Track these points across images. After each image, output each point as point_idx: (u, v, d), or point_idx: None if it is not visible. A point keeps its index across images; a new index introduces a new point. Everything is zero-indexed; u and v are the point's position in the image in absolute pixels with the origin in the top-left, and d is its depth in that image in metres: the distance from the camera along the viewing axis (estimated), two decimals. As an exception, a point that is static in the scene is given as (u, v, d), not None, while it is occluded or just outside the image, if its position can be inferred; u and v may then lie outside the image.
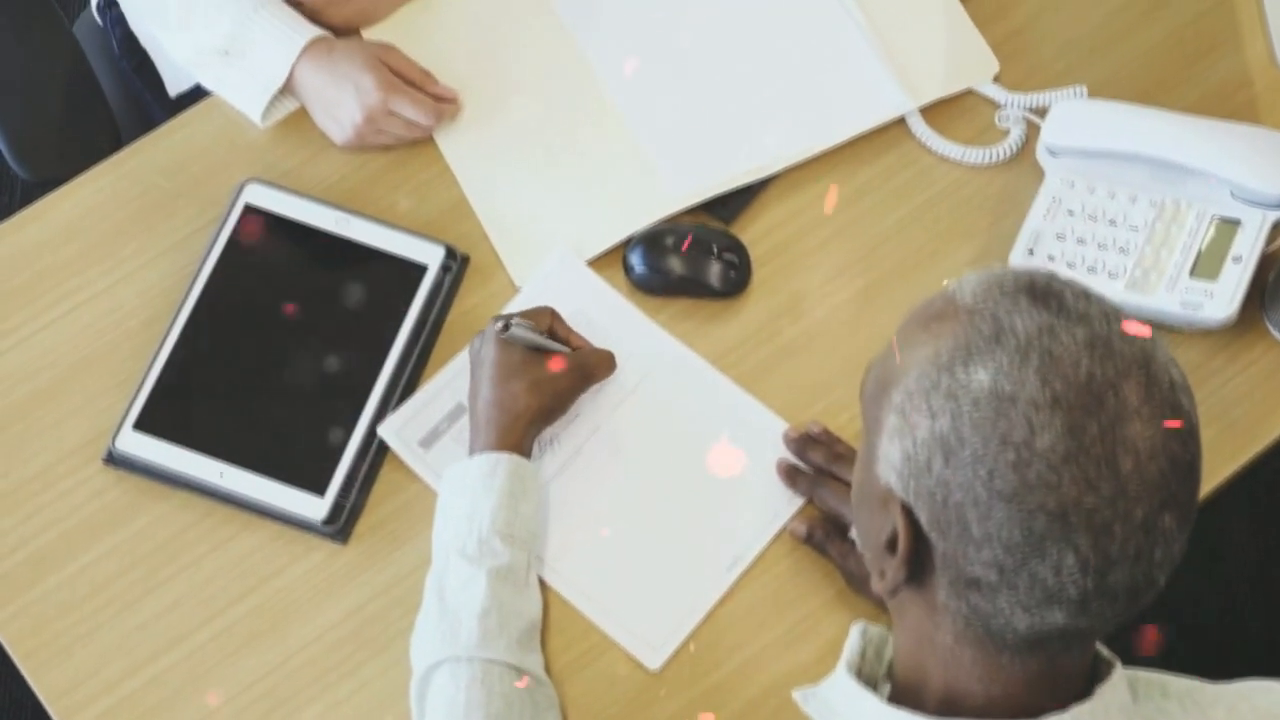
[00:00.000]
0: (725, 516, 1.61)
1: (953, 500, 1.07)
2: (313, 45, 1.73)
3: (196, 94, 1.85)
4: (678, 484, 1.62)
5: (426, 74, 1.76)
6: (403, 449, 1.62)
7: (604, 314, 1.68)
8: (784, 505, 1.61)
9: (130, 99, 2.04)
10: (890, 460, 1.11)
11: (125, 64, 2.01)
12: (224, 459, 1.61)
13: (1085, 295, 1.11)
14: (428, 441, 1.63)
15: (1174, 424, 1.07)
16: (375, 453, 1.62)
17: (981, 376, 1.07)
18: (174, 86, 1.95)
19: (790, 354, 1.67)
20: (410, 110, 1.72)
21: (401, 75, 1.74)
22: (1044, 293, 1.10)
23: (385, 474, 1.63)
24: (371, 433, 1.62)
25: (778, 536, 1.59)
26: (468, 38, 1.81)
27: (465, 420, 1.63)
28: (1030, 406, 1.05)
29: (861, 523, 1.18)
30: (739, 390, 1.65)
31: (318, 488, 1.60)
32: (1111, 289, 1.63)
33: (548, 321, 1.63)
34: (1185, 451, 1.08)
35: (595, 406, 1.64)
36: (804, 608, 1.57)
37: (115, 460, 1.62)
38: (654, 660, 1.55)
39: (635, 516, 1.61)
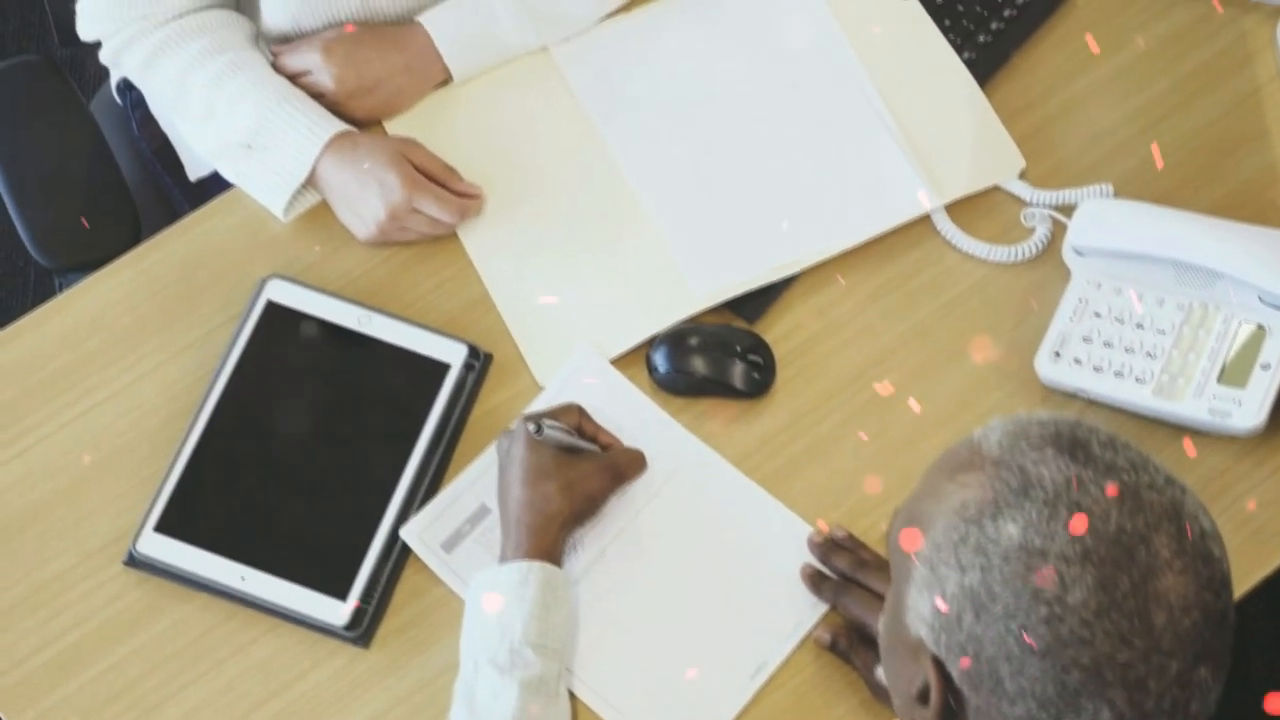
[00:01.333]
0: (749, 622, 1.60)
1: (985, 655, 1.06)
2: (336, 140, 1.73)
3: (217, 179, 1.84)
4: (702, 588, 1.61)
5: (451, 170, 1.75)
6: (425, 552, 1.61)
7: (628, 413, 1.67)
8: (808, 611, 1.60)
9: (149, 181, 2.03)
10: (920, 612, 1.10)
11: (144, 147, 2.00)
12: (245, 562, 1.60)
13: (1112, 444, 1.10)
14: (450, 544, 1.62)
15: (1207, 573, 1.07)
16: (398, 556, 1.61)
17: (1011, 530, 1.06)
18: (194, 171, 1.94)
19: (814, 456, 1.67)
20: (434, 208, 1.71)
21: (426, 171, 1.73)
22: (1070, 443, 1.09)
23: (408, 576, 1.62)
24: (394, 535, 1.61)
25: (802, 643, 1.58)
26: (490, 131, 1.80)
27: (488, 523, 1.62)
28: (1061, 561, 1.05)
29: (891, 669, 1.17)
30: (763, 493, 1.64)
31: (340, 592, 1.59)
32: (1139, 395, 1.62)
33: (576, 419, 1.62)
34: (1218, 601, 1.07)
35: (620, 508, 1.63)
36: (828, 717, 1.56)
37: (136, 562, 1.61)
38: (679, 770, 1.54)
39: (659, 621, 1.60)
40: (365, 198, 1.71)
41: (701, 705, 1.57)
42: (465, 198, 1.74)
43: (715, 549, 1.62)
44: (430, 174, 1.73)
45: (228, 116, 1.74)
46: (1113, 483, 1.07)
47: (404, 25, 1.81)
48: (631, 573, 1.62)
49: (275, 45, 1.82)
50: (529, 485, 1.56)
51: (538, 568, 1.52)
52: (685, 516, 1.64)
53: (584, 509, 1.59)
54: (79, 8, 1.80)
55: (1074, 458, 1.08)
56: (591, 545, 1.62)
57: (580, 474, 1.57)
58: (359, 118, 1.78)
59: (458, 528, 1.63)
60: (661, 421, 1.67)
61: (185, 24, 1.76)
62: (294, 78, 1.77)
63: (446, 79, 1.82)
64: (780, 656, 1.58)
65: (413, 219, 1.72)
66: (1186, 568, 1.06)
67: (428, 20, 1.80)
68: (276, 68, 1.78)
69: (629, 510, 1.64)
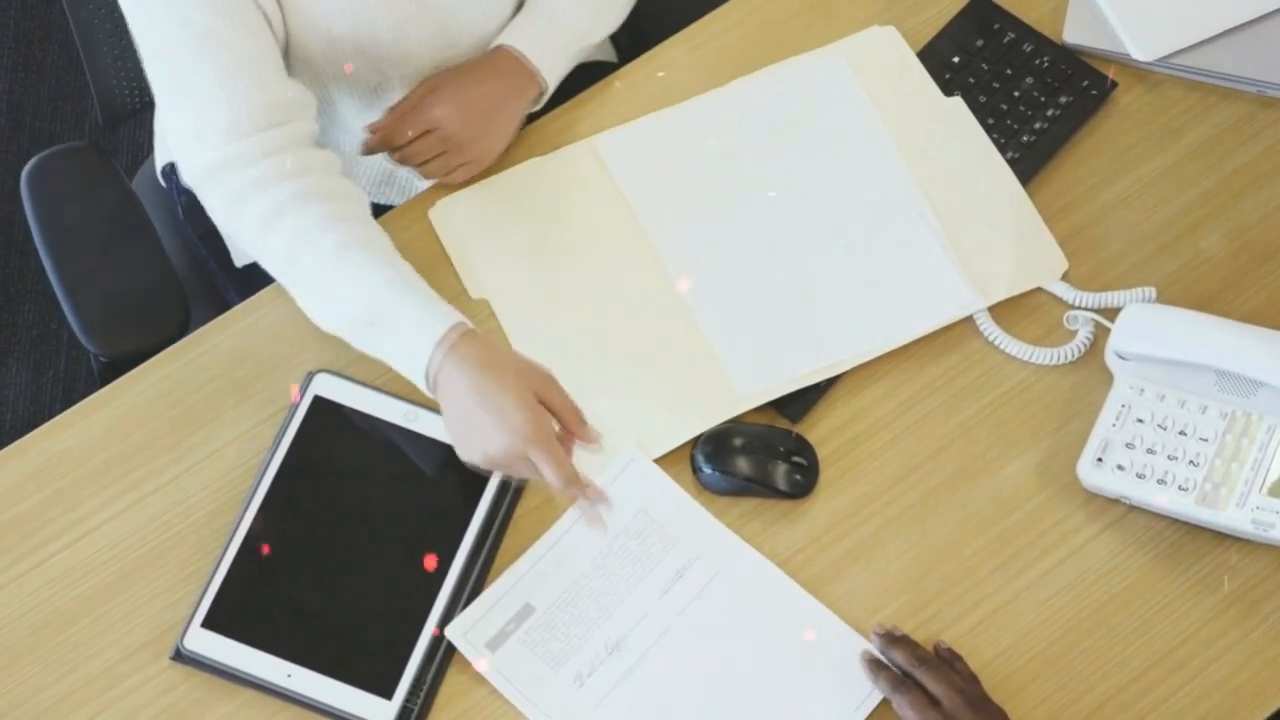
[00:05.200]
0: None
1: None
2: (459, 335, 1.59)
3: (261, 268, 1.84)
4: (743, 688, 1.62)
5: (579, 416, 1.61)
6: (470, 651, 1.62)
7: (671, 513, 1.68)
8: (848, 713, 1.60)
9: (194, 264, 2.05)
10: None
11: (190, 232, 2.01)
12: (292, 659, 1.61)
13: None
14: (495, 644, 1.63)
15: None
16: (443, 654, 1.62)
17: None
18: (240, 258, 1.96)
19: (857, 558, 1.67)
20: (548, 471, 1.56)
21: (556, 413, 1.60)
22: None
23: (452, 675, 1.63)
24: (439, 634, 1.62)
25: (845, 747, 1.59)
26: (534, 224, 1.82)
27: (533, 621, 1.63)
28: None
29: None
30: (806, 595, 1.65)
31: (385, 691, 1.60)
32: (1182, 503, 1.63)
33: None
34: None
35: (662, 607, 1.64)
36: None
37: (183, 658, 1.62)
38: None
39: None
40: (482, 428, 1.57)
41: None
42: (587, 442, 1.62)
43: (757, 650, 1.63)
44: (560, 416, 1.61)
45: (347, 295, 1.63)
46: None
47: (487, 53, 1.84)
48: (674, 671, 1.62)
49: (371, 125, 1.83)
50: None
51: None
52: (728, 616, 1.65)
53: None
54: (177, 146, 1.70)
55: None
56: (635, 645, 1.63)
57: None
58: (482, 157, 1.82)
59: (502, 627, 1.64)
60: (705, 521, 1.68)
61: (309, 184, 1.66)
62: (416, 139, 1.80)
63: (541, 91, 1.84)
64: (822, 761, 1.59)
65: (521, 465, 1.58)
66: None
67: (509, 38, 1.83)
68: (390, 139, 1.80)
69: (672, 610, 1.64)
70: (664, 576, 1.66)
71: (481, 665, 1.62)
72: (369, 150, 1.83)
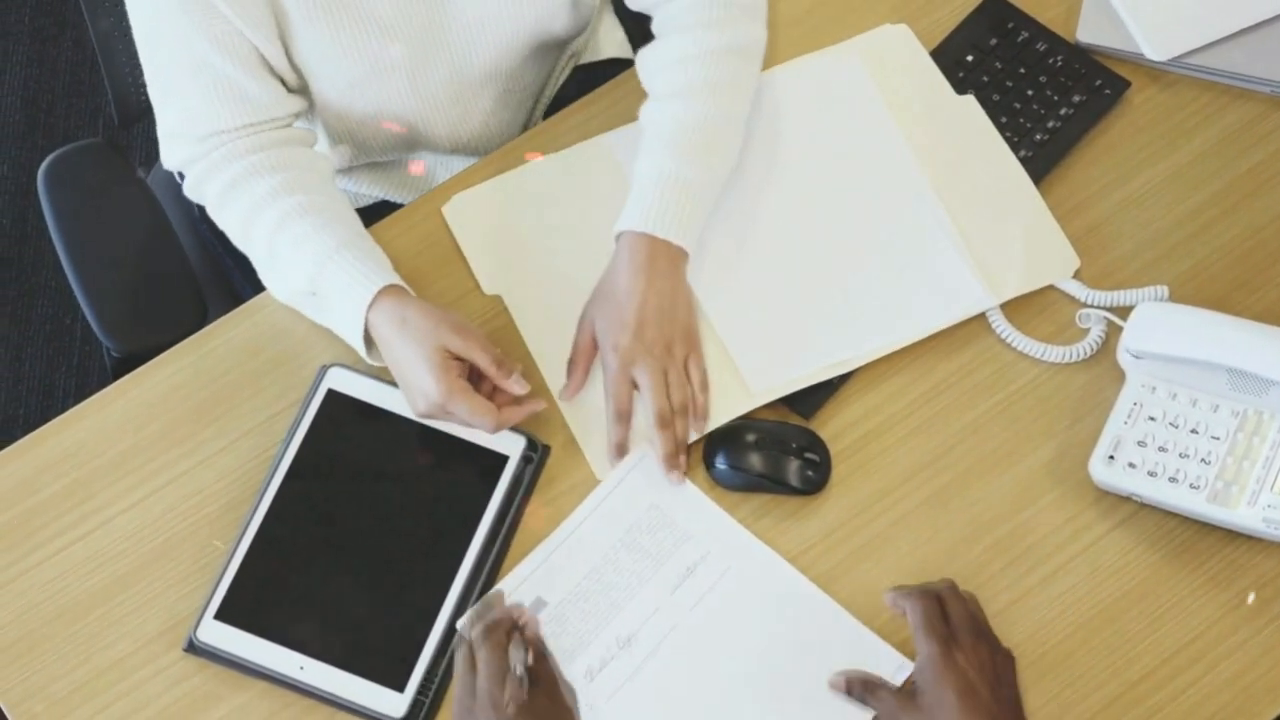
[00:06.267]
0: (800, 718, 1.61)
1: None
2: (383, 300, 1.66)
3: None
4: (754, 683, 1.62)
5: (502, 363, 1.65)
6: (488, 645, 1.63)
7: (683, 508, 1.69)
8: (863, 709, 1.60)
9: (209, 259, 2.05)
10: None
11: (204, 229, 2.02)
12: (304, 652, 1.62)
13: None
14: (507, 637, 1.64)
15: None
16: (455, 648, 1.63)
17: None
18: (254, 253, 1.97)
19: (869, 554, 1.68)
20: (469, 417, 1.62)
21: (472, 364, 1.65)
22: None
23: (463, 668, 1.63)
24: (452, 627, 1.62)
25: (855, 743, 1.60)
26: (550, 219, 1.82)
27: (545, 615, 1.64)
28: None
29: None
30: (818, 590, 1.65)
31: (397, 684, 1.60)
32: (1193, 501, 1.63)
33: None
34: None
35: (674, 602, 1.65)
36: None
37: (196, 650, 1.63)
38: None
39: (712, 714, 1.61)
40: (408, 383, 1.65)
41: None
42: (509, 404, 1.66)
43: (769, 645, 1.64)
44: (474, 366, 1.65)
45: (290, 264, 1.71)
46: None
47: (625, 248, 1.72)
48: (685, 667, 1.63)
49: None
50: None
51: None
52: (739, 612, 1.65)
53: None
54: (162, 133, 1.79)
55: None
56: (646, 640, 1.63)
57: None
58: (688, 337, 1.71)
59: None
60: (717, 516, 1.69)
61: (262, 159, 1.74)
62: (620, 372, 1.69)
63: (683, 252, 1.73)
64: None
65: (453, 416, 1.63)
66: None
67: (621, 225, 1.73)
68: (621, 409, 1.68)
69: (683, 605, 1.65)
70: (675, 572, 1.67)
71: None
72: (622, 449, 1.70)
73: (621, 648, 1.63)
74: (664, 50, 1.79)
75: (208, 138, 1.74)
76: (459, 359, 1.64)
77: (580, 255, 1.79)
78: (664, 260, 1.71)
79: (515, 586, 1.65)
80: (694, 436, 1.70)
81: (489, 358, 1.64)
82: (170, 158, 1.79)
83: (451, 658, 1.62)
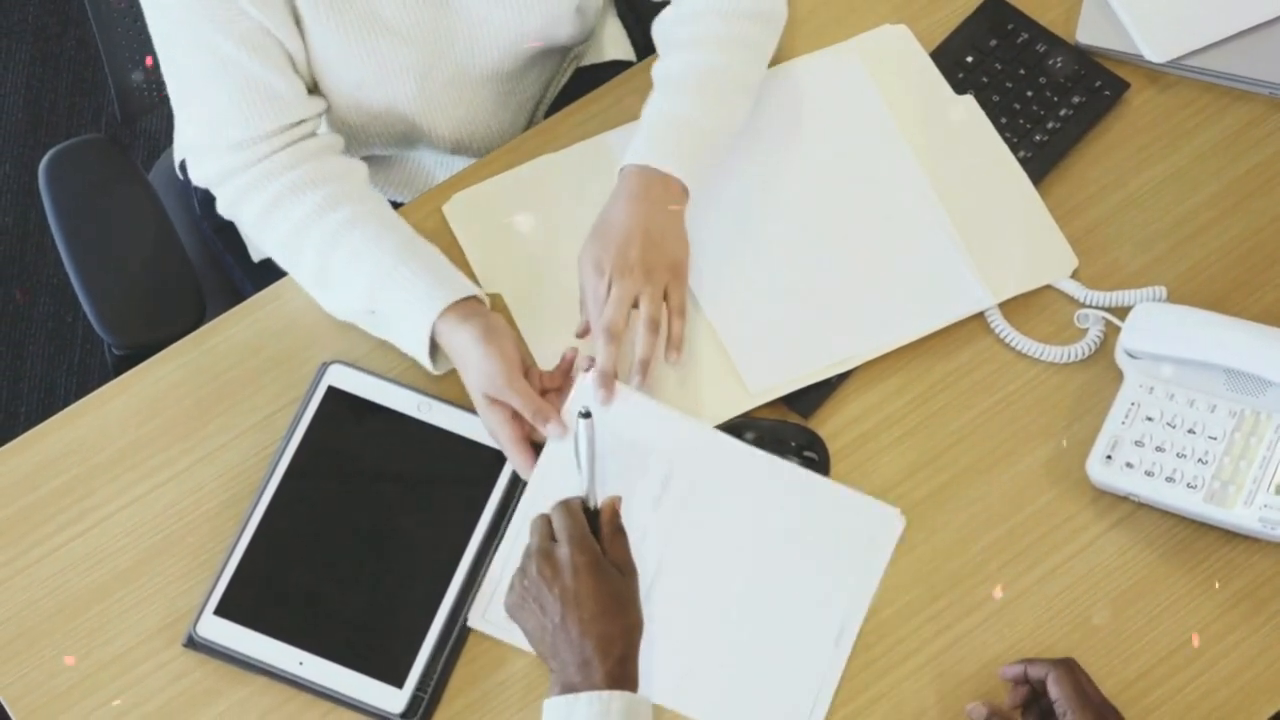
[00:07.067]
0: (819, 591, 1.64)
1: None
2: (445, 320, 1.67)
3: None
4: (764, 574, 1.65)
5: (532, 411, 1.66)
6: (497, 630, 1.64)
7: (635, 422, 1.68)
8: (876, 557, 1.66)
9: (211, 258, 2.06)
10: None
11: (206, 226, 2.02)
12: (304, 647, 1.62)
13: None
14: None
15: None
16: (454, 644, 1.63)
17: None
18: (256, 253, 1.97)
19: (867, 552, 1.68)
20: (520, 405, 1.65)
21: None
22: None
23: (463, 664, 1.64)
24: (451, 622, 1.63)
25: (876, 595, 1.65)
26: (550, 217, 1.83)
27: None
28: None
29: None
30: (792, 466, 1.68)
31: (396, 679, 1.61)
32: (1190, 501, 1.64)
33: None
34: None
35: (660, 520, 1.66)
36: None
37: (196, 645, 1.63)
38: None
39: (730, 615, 1.64)
40: (466, 369, 1.67)
41: (793, 686, 1.61)
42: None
43: (761, 530, 1.66)
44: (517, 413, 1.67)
45: (345, 284, 1.70)
46: None
47: (623, 180, 1.73)
48: (689, 576, 1.65)
49: (579, 333, 1.73)
50: (611, 616, 1.53)
51: (619, 697, 1.50)
52: (724, 506, 1.67)
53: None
54: (186, 145, 1.76)
55: None
56: (646, 561, 1.63)
57: (631, 588, 1.58)
58: (677, 267, 1.71)
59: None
60: (670, 420, 1.69)
61: (301, 175, 1.72)
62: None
63: (683, 188, 1.73)
64: (859, 618, 1.63)
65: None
66: None
67: (627, 159, 1.74)
68: (615, 329, 1.67)
69: (670, 517, 1.66)
70: (651, 488, 1.67)
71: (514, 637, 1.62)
72: (607, 371, 1.69)
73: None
74: (684, 6, 1.81)
75: (239, 148, 1.72)
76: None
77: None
78: (659, 190, 1.71)
79: (504, 562, 1.65)
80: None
81: (531, 410, 1.65)
82: (199, 172, 1.77)
83: (451, 654, 1.62)
